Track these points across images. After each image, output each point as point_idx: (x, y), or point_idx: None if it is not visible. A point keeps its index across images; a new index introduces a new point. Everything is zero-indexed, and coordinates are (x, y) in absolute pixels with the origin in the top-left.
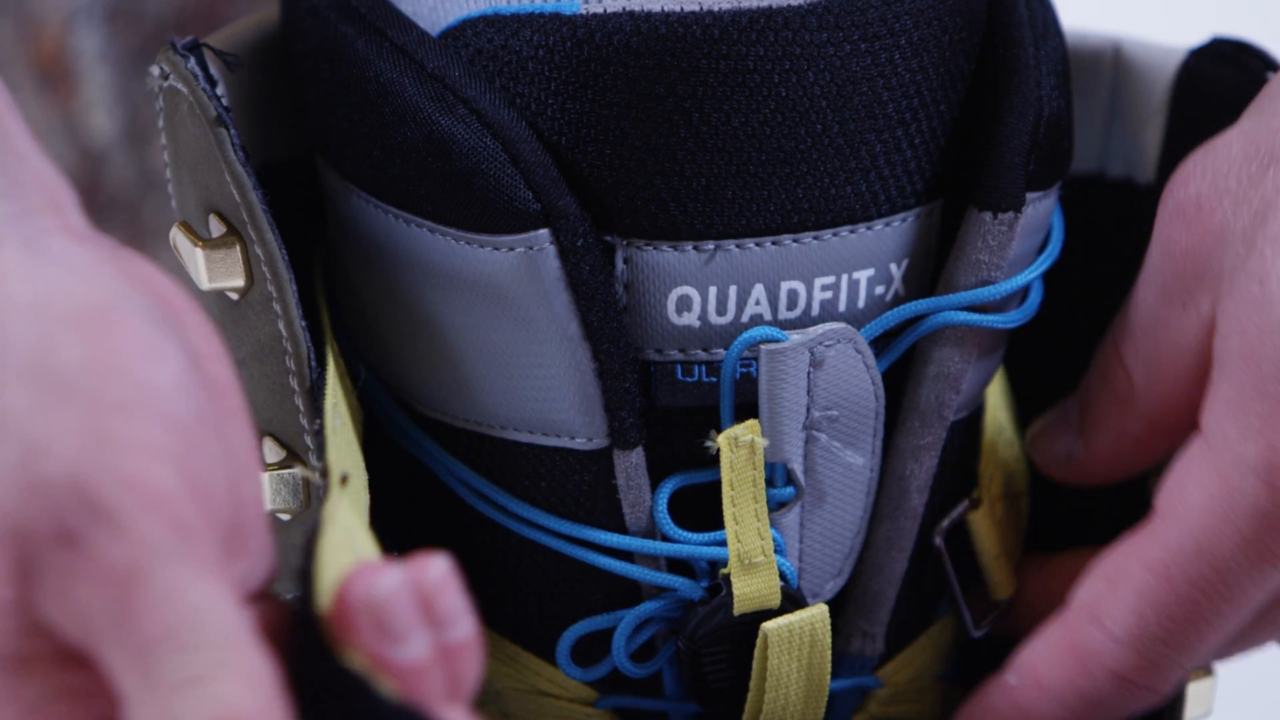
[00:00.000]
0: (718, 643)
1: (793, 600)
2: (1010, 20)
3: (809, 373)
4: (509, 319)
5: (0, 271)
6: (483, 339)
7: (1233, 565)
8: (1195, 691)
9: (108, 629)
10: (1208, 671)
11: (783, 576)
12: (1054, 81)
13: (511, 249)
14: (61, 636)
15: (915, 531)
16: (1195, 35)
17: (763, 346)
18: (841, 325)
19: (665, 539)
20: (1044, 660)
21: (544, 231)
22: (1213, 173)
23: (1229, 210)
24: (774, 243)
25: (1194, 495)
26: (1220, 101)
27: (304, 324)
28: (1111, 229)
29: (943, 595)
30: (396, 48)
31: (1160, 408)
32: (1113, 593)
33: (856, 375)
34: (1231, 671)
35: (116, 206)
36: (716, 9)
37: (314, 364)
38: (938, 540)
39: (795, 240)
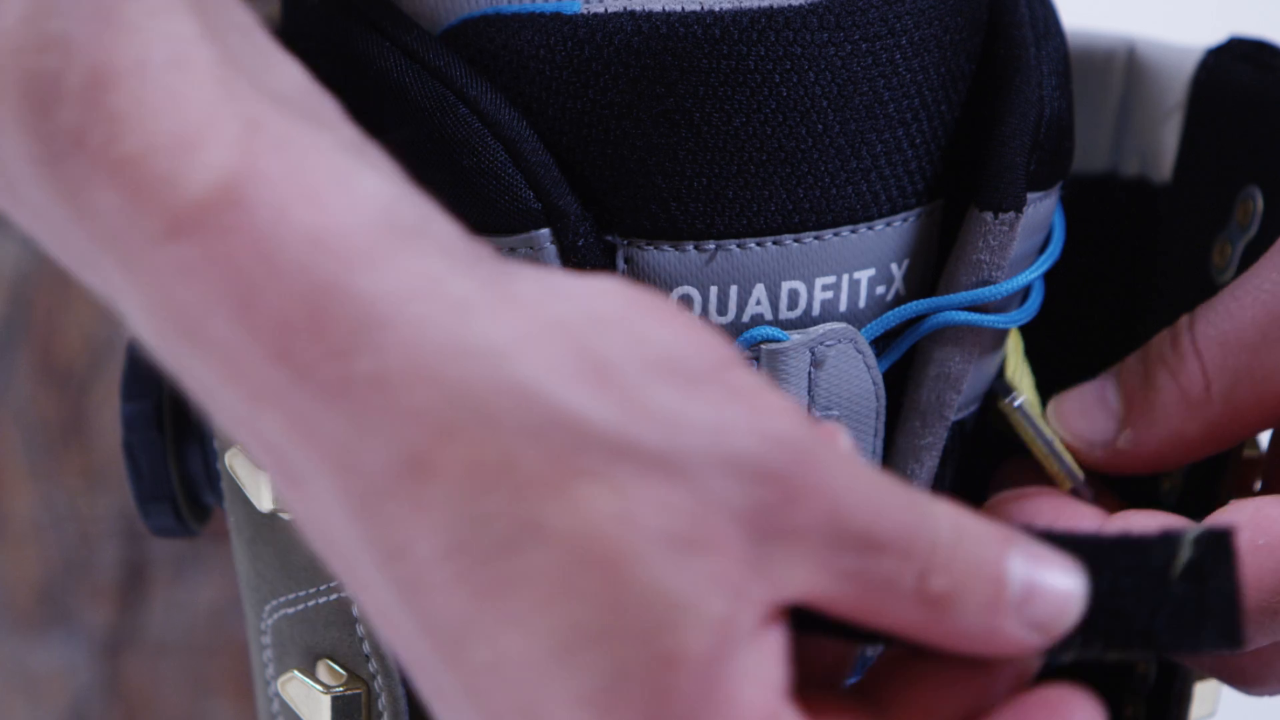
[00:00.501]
0: None
1: None
2: (1011, 20)
3: (810, 372)
4: None
5: (530, 291)
6: None
7: None
8: (1200, 691)
9: (854, 542)
10: None
11: None
12: (1055, 82)
13: (512, 249)
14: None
15: None
16: (1196, 35)
17: (763, 346)
18: (842, 325)
19: None
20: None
21: (545, 231)
22: None
23: None
24: (775, 243)
25: None
26: (1239, 100)
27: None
28: (1125, 227)
29: None
30: (398, 47)
31: (1237, 422)
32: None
33: (857, 375)
34: None
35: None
36: (717, 9)
37: None
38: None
39: (796, 240)
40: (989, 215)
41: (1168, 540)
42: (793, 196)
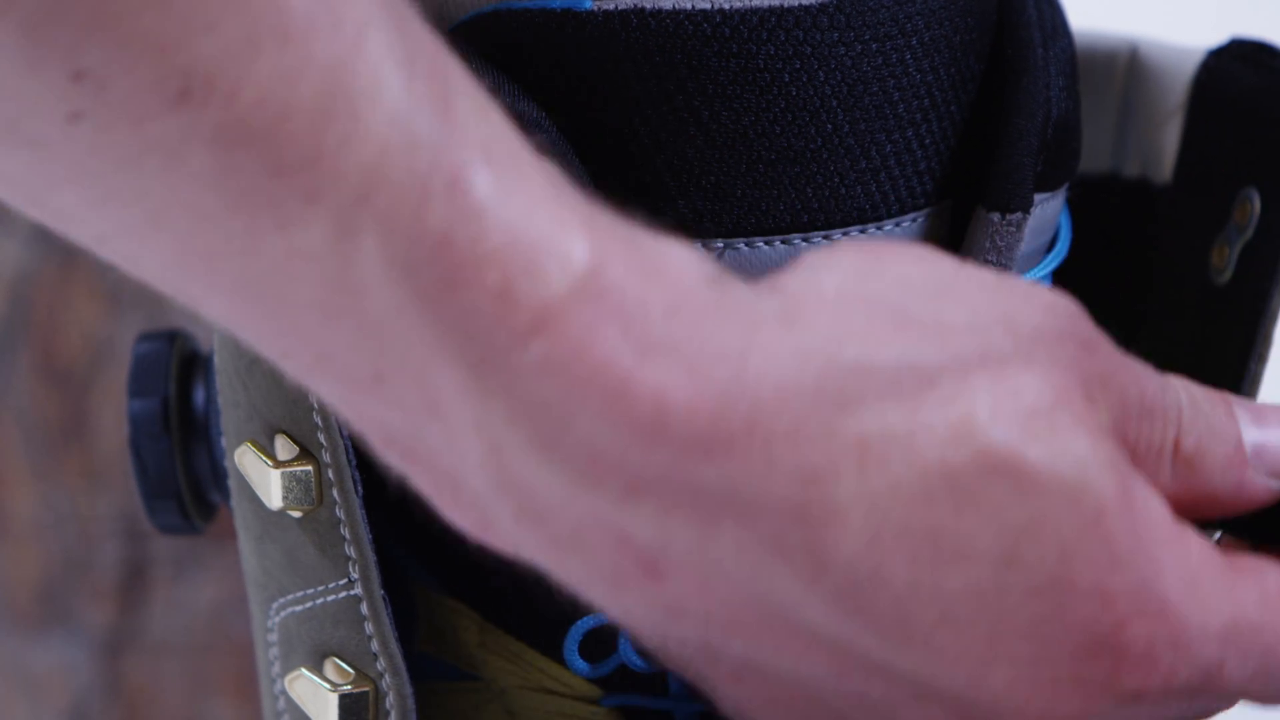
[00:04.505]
0: None
1: None
2: (1019, 21)
3: None
4: None
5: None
6: None
7: None
8: None
9: (1136, 406)
10: None
11: None
12: (1062, 82)
13: None
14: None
15: None
16: (1199, 36)
17: None
18: None
19: None
20: None
21: None
22: None
23: None
24: (784, 242)
25: None
26: (1239, 101)
27: (371, 541)
28: (1125, 229)
29: None
30: None
31: None
32: None
33: None
34: None
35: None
36: (727, 7)
37: (381, 582)
38: None
39: (805, 240)
40: (996, 216)
41: None
42: (801, 196)
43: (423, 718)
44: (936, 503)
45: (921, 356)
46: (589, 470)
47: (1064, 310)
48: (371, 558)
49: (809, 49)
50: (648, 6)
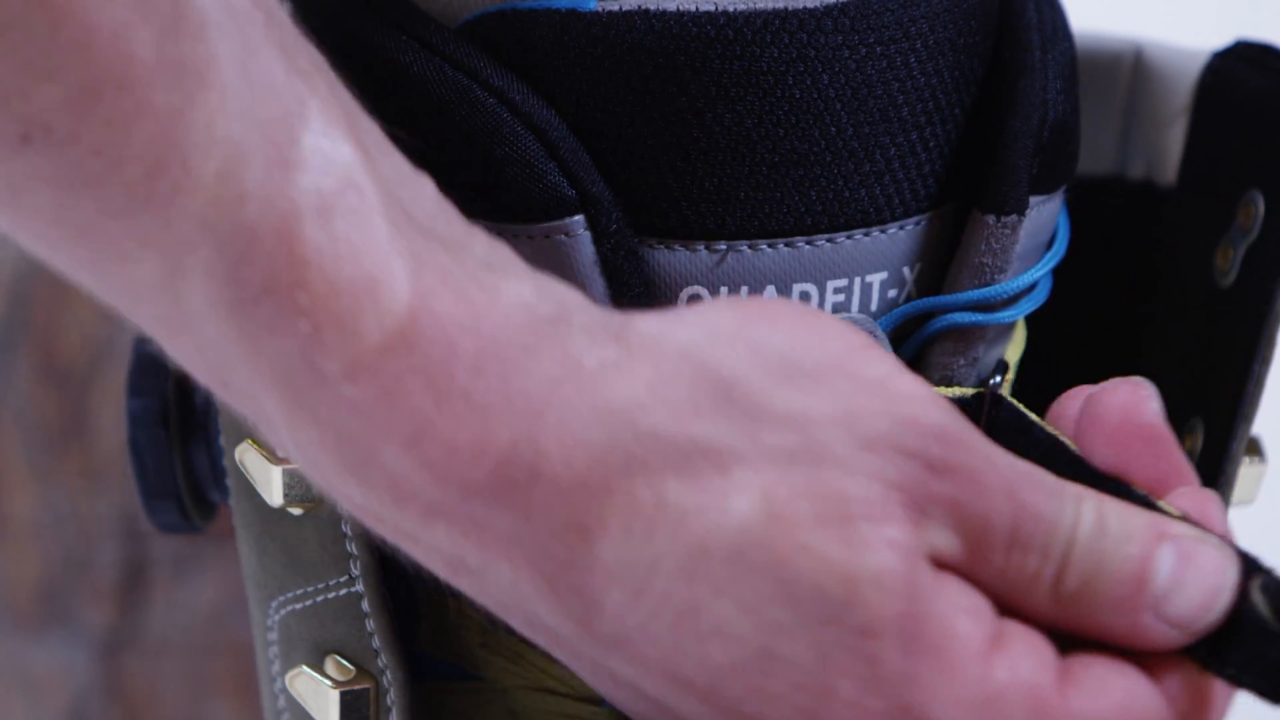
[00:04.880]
0: None
1: None
2: (1019, 24)
3: None
4: None
5: (648, 335)
6: None
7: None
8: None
9: (1004, 535)
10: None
11: None
12: (1060, 85)
13: (547, 236)
14: (941, 558)
15: None
16: (1203, 38)
17: None
18: (861, 315)
19: None
20: None
21: (579, 218)
22: None
23: None
24: (787, 244)
25: None
26: (1244, 103)
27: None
28: (1130, 231)
29: None
30: (416, 40)
31: None
32: None
33: None
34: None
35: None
36: (731, 9)
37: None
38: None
39: (808, 243)
40: (991, 218)
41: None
42: (805, 199)
43: (425, 717)
44: (697, 581)
45: (724, 440)
46: (392, 495)
47: (928, 430)
48: (374, 555)
49: (813, 52)
50: (652, 8)
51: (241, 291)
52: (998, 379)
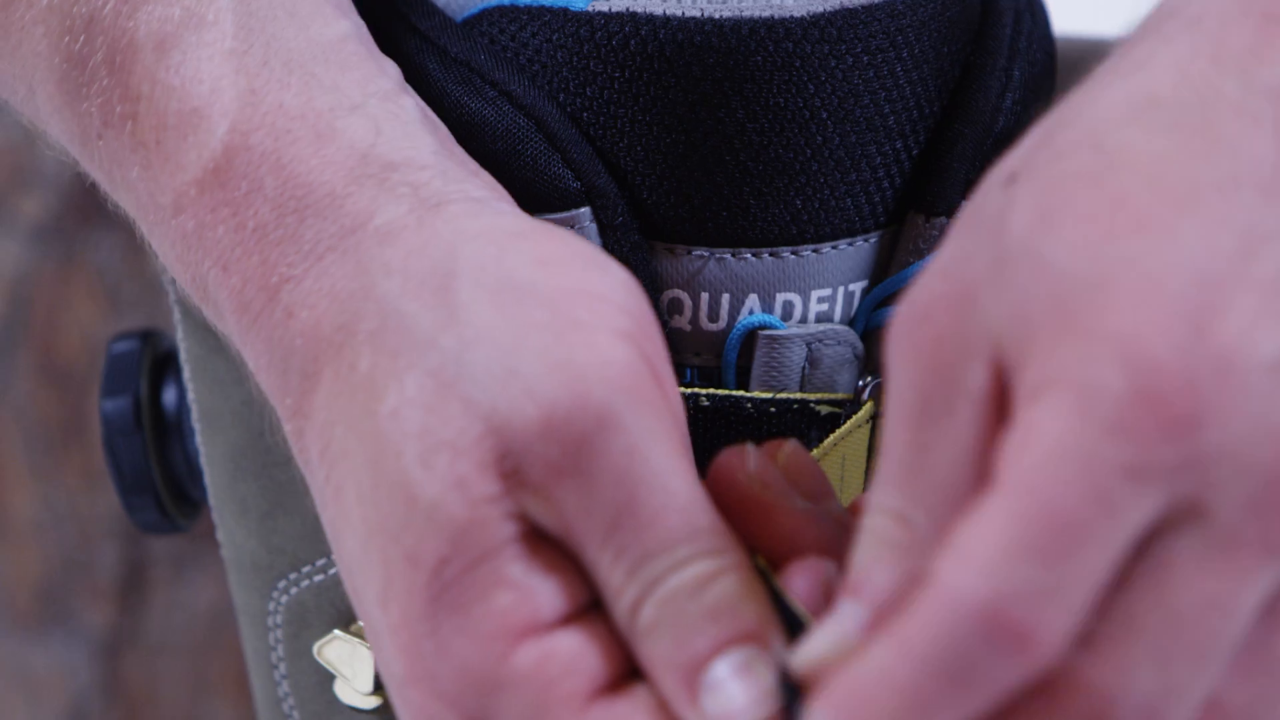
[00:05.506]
0: None
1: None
2: (991, 33)
3: (804, 367)
4: None
5: (453, 214)
6: None
7: (1105, 473)
8: None
9: (601, 530)
10: None
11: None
12: (1017, 97)
13: None
14: (537, 523)
15: None
16: None
17: (761, 333)
18: (843, 328)
19: None
20: (918, 628)
21: (585, 210)
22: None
23: (964, 285)
24: (771, 254)
25: (1040, 448)
26: None
27: None
28: None
29: None
30: (420, 33)
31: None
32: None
33: (848, 380)
34: None
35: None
36: (717, 16)
37: None
38: None
39: (793, 253)
40: (920, 218)
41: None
42: (790, 209)
43: None
44: (349, 458)
45: (418, 326)
46: (223, 319)
47: (584, 390)
48: None
49: (799, 61)
50: (639, 11)
51: (86, 126)
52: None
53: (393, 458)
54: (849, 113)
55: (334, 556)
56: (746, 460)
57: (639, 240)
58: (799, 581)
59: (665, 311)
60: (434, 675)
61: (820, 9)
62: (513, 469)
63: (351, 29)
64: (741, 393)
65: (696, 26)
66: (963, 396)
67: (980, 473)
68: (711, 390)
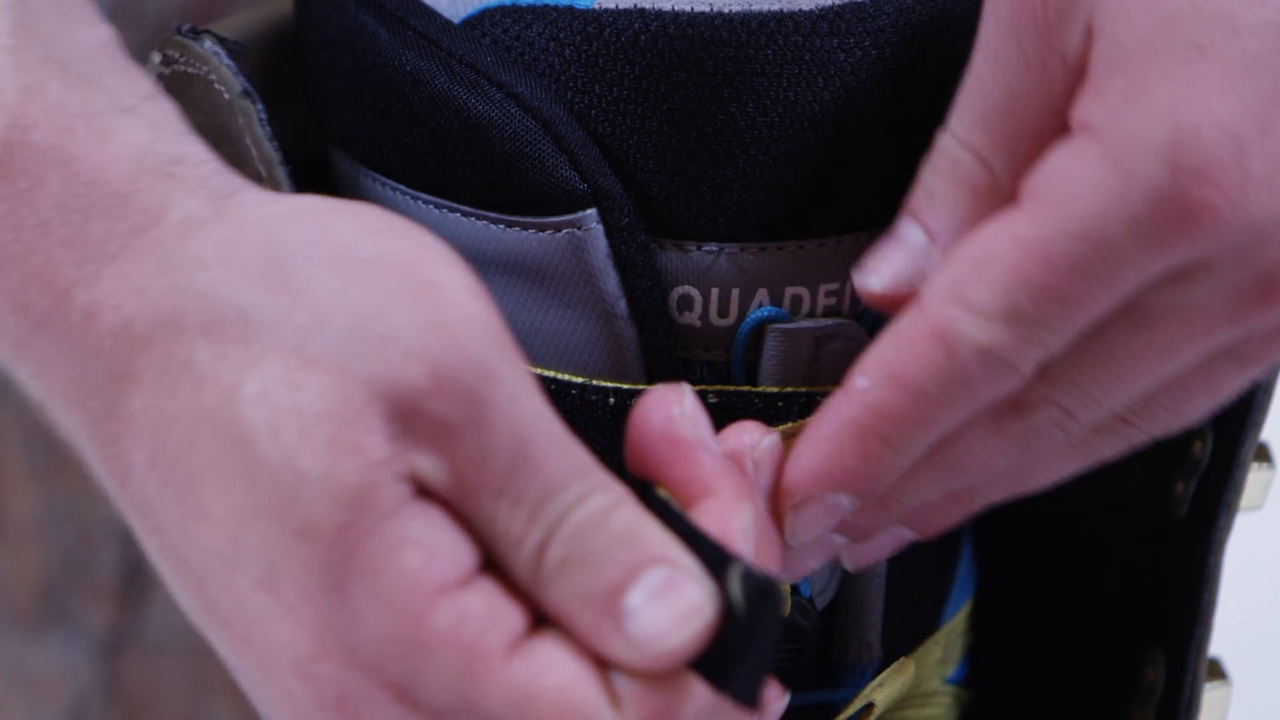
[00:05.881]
0: None
1: (803, 611)
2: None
3: (811, 361)
4: (549, 299)
5: (249, 202)
6: (520, 319)
7: (1119, 248)
8: (1209, 700)
9: (497, 479)
10: (1222, 678)
11: (793, 588)
12: None
13: (557, 230)
14: (426, 484)
15: None
16: None
17: (770, 326)
18: (849, 322)
19: None
20: (901, 353)
21: (591, 211)
22: None
23: None
24: (779, 249)
25: (1081, 180)
26: None
27: None
28: None
29: (947, 600)
30: (421, 35)
31: (1016, 184)
32: (980, 273)
33: None
34: (1243, 682)
35: None
36: (726, 10)
37: None
38: None
39: (800, 247)
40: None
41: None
42: (799, 203)
43: None
44: (197, 451)
45: (258, 311)
46: (5, 308)
47: (455, 343)
48: None
49: (808, 55)
50: (647, 7)
51: None
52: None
53: (267, 439)
54: (859, 106)
55: (170, 565)
56: (684, 398)
57: (645, 240)
58: (707, 521)
59: (675, 309)
60: (351, 645)
61: (829, 2)
62: (400, 431)
63: (112, 34)
64: (749, 388)
65: (706, 21)
66: (1058, 56)
67: (1059, 130)
68: (720, 387)
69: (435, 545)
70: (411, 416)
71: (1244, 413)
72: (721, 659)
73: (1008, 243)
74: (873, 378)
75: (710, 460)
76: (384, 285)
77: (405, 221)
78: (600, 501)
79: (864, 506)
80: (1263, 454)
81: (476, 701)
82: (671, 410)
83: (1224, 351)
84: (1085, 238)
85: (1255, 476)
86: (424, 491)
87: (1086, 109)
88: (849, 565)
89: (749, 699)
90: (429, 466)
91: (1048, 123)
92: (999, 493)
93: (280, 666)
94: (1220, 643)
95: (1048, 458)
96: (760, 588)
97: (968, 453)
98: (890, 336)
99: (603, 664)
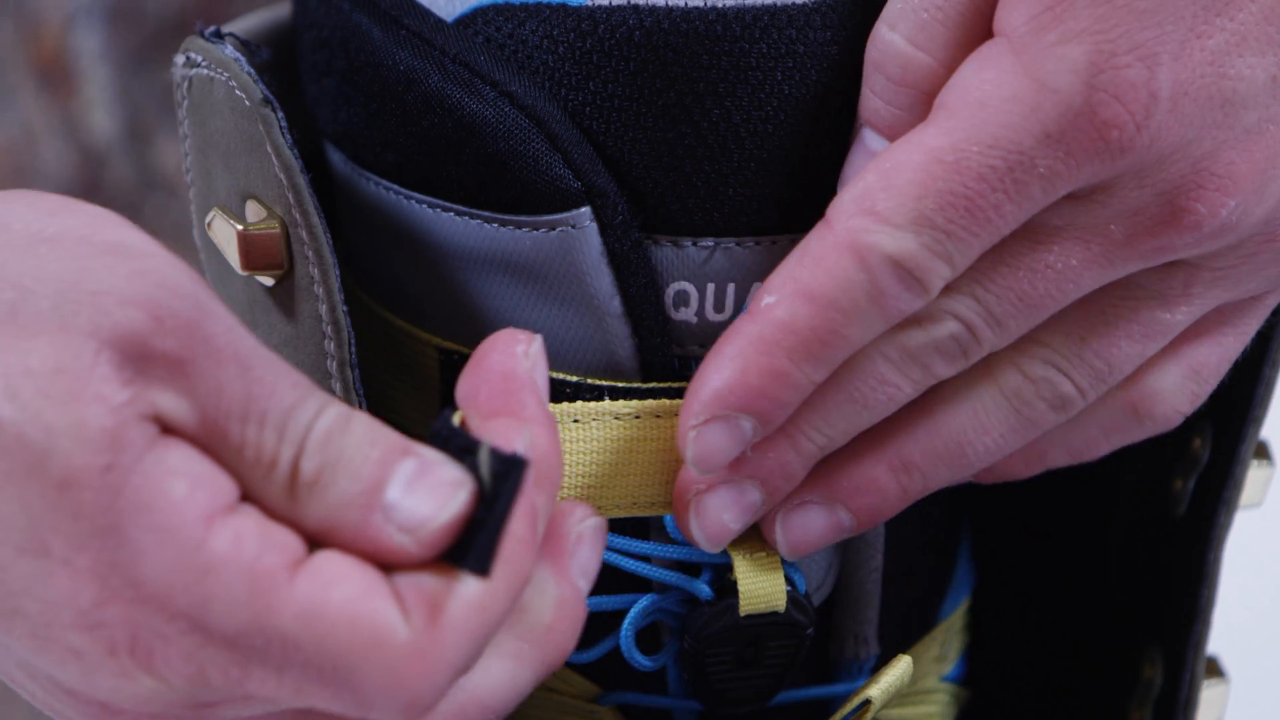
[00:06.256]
0: (722, 644)
1: (799, 605)
2: None
3: None
4: (543, 298)
5: None
6: (514, 318)
7: (1028, 160)
8: (1207, 698)
9: (239, 405)
10: (1220, 676)
11: (789, 581)
12: None
13: (551, 228)
14: (172, 423)
15: (882, 527)
16: None
17: None
18: None
19: (672, 540)
20: (810, 268)
21: (585, 210)
22: None
23: None
24: (774, 242)
25: (995, 93)
26: None
27: (345, 307)
28: None
29: (945, 596)
30: (415, 35)
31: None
32: (890, 183)
33: None
34: (1242, 680)
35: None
36: (720, 5)
37: (353, 346)
38: None
39: (795, 240)
40: None
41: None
42: (794, 196)
43: None
44: None
45: None
46: None
47: (160, 283)
48: (345, 322)
49: (802, 48)
50: (641, 3)
51: None
52: None
53: (6, 402)
54: (852, 99)
55: None
56: (534, 341)
57: (639, 238)
58: (490, 432)
59: (671, 305)
60: (136, 582)
61: None
62: (134, 374)
63: None
64: None
65: (700, 15)
66: None
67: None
68: None
69: (198, 474)
70: (142, 360)
71: (1244, 409)
72: (465, 536)
73: (917, 153)
74: (779, 294)
75: (533, 403)
76: (76, 253)
77: (77, 200)
78: (338, 409)
79: (770, 439)
80: (1262, 451)
81: (268, 621)
82: (517, 348)
83: (1143, 290)
84: (996, 147)
85: (1255, 474)
86: (171, 430)
87: (1009, 13)
88: (783, 550)
89: (482, 568)
90: (171, 404)
91: (981, 26)
92: (929, 460)
93: (61, 625)
94: (1218, 640)
95: (976, 414)
96: (505, 462)
97: (871, 374)
98: (797, 254)
99: (385, 570)
